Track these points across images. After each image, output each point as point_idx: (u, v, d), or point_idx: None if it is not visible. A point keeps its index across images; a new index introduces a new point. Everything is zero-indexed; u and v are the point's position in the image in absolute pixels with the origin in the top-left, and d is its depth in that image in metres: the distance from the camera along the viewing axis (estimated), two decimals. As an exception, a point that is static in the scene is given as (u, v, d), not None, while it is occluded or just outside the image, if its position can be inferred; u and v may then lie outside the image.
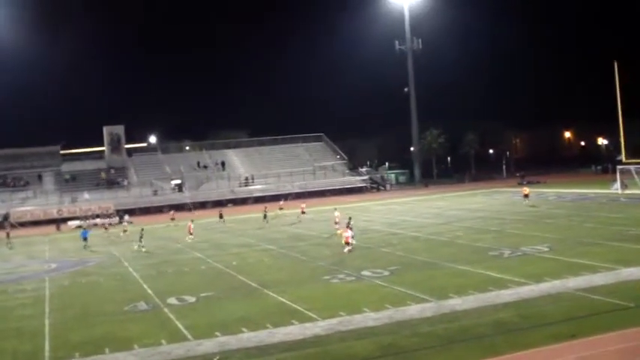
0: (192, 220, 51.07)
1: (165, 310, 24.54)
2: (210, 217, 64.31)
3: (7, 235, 54.22)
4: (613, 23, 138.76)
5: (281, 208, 61.08)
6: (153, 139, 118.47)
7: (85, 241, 47.61)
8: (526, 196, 56.26)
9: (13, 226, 67.67)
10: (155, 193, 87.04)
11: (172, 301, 25.84)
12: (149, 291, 28.44)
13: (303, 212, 56.49)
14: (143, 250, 42.96)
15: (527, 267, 27.22)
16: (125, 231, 51.84)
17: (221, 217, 59.57)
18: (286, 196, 79.20)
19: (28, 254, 47.36)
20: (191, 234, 47.18)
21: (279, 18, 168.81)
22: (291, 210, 60.81)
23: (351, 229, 36.94)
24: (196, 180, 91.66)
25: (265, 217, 55.04)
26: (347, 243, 35.26)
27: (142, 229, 46.54)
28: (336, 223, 45.76)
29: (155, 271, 34.25)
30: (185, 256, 39.40)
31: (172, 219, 61.21)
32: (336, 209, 48.95)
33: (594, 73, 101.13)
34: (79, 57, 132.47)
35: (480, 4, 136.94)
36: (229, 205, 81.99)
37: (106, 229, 57.66)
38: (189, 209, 76.13)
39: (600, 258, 27.75)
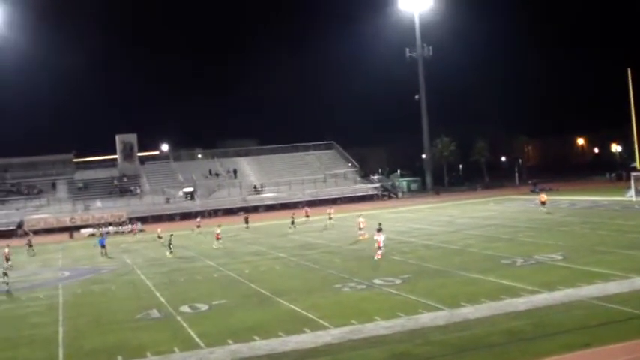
0: (219, 226, 51.23)
1: (178, 317, 24.58)
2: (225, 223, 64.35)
3: (29, 242, 54.47)
4: (627, 30, 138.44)
5: (307, 215, 62.16)
6: (165, 147, 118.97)
7: (103, 248, 48.03)
8: (543, 203, 55.99)
9: (26, 233, 67.99)
10: (167, 201, 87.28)
11: (185, 308, 25.89)
12: (162, 299, 28.51)
13: (330, 218, 56.93)
14: (169, 255, 43.65)
15: (540, 275, 27.08)
16: (160, 237, 51.51)
17: (247, 222, 61.08)
18: (303, 204, 79.30)
19: (41, 262, 47.54)
20: (218, 238, 47.71)
21: (290, 27, 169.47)
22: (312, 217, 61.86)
23: (381, 232, 36.60)
24: (208, 188, 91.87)
25: (293, 222, 55.56)
26: (379, 247, 35.27)
27: (171, 235, 46.98)
28: (360, 228, 45.79)
29: (168, 279, 34.32)
30: (198, 264, 39.47)
31: (198, 226, 61.55)
32: (360, 215, 48.98)
33: (608, 80, 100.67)
34: (92, 66, 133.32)
35: (491, 12, 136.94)
36: (240, 213, 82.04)
37: (135, 233, 61.71)
38: (200, 222, 75.79)
39: (614, 266, 27.58)
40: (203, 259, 41.34)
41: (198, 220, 64.93)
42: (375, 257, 34.94)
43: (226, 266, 37.33)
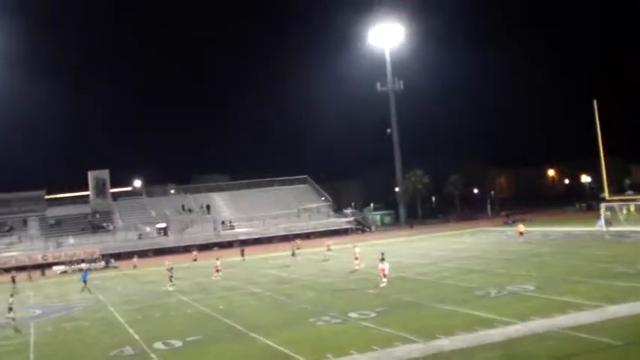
0: (217, 259, 51.30)
1: (152, 355, 24.30)
2: (186, 260, 64.18)
3: (13, 279, 53.97)
4: (593, 62, 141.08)
5: (298, 248, 62.47)
6: (138, 183, 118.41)
7: (84, 283, 48.08)
8: (521, 233, 56.91)
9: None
10: (140, 236, 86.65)
11: (159, 345, 25.60)
12: (135, 336, 28.18)
13: (329, 249, 58.51)
14: (171, 289, 43.64)
15: (514, 306, 27.22)
16: (170, 270, 48.76)
17: (242, 254, 62.75)
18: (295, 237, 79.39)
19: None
20: (218, 271, 48.38)
21: (263, 62, 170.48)
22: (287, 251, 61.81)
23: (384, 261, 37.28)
24: (181, 223, 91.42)
25: (294, 254, 56.45)
26: (384, 275, 36.21)
27: (172, 268, 47.24)
28: (356, 258, 46.44)
29: (141, 316, 33.97)
30: (171, 300, 39.13)
31: (195, 260, 61.58)
32: (355, 246, 49.65)
33: (576, 111, 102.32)
34: (64, 101, 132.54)
35: (461, 44, 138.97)
36: (215, 248, 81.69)
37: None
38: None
39: (586, 296, 27.82)
40: (176, 295, 41.01)
41: (194, 253, 66.05)
42: (381, 285, 35.78)
43: (200, 302, 37.06)
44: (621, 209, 64.51)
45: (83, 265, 66.74)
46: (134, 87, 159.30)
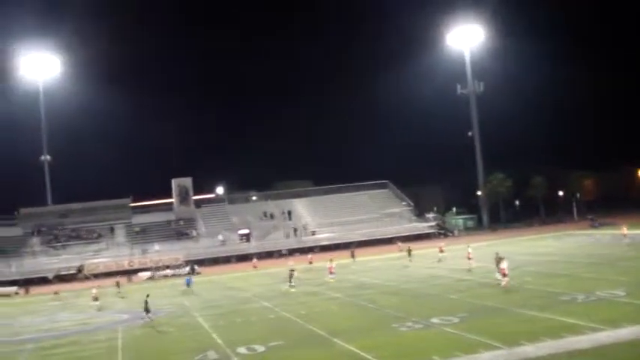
0: (331, 260, 51.90)
1: (235, 359, 24.61)
2: (277, 266, 64.71)
3: (117, 284, 56.21)
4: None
5: (311, 262, 63.14)
6: (220, 190, 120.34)
7: (188, 287, 51.28)
8: (625, 235, 56.54)
9: (87, 277, 69.21)
10: (223, 243, 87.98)
11: (242, 350, 25.91)
12: (218, 340, 28.61)
13: (441, 251, 57.57)
14: (292, 290, 45.02)
15: (602, 312, 26.38)
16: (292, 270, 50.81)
17: (353, 255, 63.64)
18: (351, 244, 79.26)
19: (101, 305, 48.18)
20: (332, 273, 49.29)
21: (341, 67, 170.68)
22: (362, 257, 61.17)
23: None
24: (263, 229, 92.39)
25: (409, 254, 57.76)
26: (504, 275, 36.47)
27: (294, 270, 49.38)
28: (469, 258, 47.69)
29: (224, 321, 34.46)
30: (253, 306, 39.56)
31: (310, 262, 64.11)
32: (469, 246, 50.58)
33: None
34: (149, 111, 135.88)
35: (542, 47, 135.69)
36: (296, 254, 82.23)
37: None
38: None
39: (679, 301, 26.78)
40: (259, 301, 41.42)
41: (254, 261, 66.14)
42: (502, 284, 36.20)
43: (282, 307, 37.33)
44: None
45: (168, 272, 68.25)
46: (216, 94, 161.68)
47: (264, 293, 45.15)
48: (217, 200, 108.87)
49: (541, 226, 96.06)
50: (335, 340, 26.22)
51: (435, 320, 28.08)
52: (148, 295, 37.39)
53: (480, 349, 22.11)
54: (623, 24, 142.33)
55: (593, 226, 79.68)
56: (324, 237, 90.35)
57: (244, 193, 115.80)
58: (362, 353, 23.29)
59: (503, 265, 36.97)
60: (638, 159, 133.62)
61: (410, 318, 29.23)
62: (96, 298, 47.21)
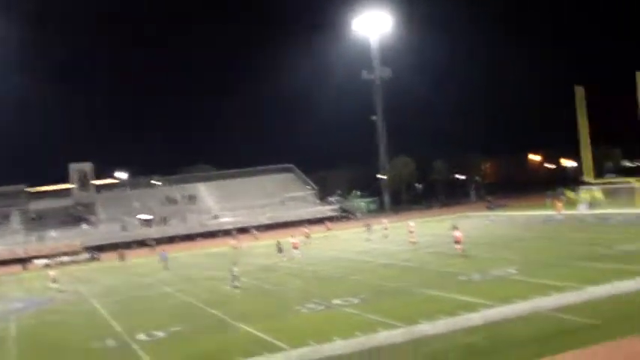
0: (292, 236, 52.07)
1: (134, 346, 24.18)
2: (179, 251, 63.94)
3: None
4: (578, 50, 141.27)
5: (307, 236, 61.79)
6: (122, 175, 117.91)
7: (165, 262, 50.96)
8: (559, 211, 59.25)
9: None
10: (123, 228, 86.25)
11: (141, 337, 25.46)
12: (117, 328, 28.03)
13: (386, 229, 58.80)
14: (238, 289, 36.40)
15: (496, 290, 27.26)
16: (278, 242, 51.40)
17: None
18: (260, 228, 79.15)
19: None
20: (296, 249, 48.39)
21: (246, 51, 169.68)
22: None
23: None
24: (166, 215, 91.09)
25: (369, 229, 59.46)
26: (458, 242, 39.58)
27: (279, 242, 50.25)
28: (410, 232, 50.05)
29: (124, 307, 33.83)
30: (155, 291, 39.01)
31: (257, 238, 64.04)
32: (409, 221, 53.73)
33: (561, 99, 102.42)
34: (43, 94, 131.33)
35: (448, 32, 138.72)
36: (198, 239, 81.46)
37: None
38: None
39: (568, 278, 27.91)
40: (161, 286, 40.86)
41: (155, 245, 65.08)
42: (457, 251, 39.17)
43: (184, 292, 36.97)
44: (578, 193, 68.54)
45: (65, 258, 66.36)
46: (117, 77, 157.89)
47: (167, 279, 44.55)
48: (119, 185, 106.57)
49: (441, 208, 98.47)
50: (237, 324, 26.10)
51: (336, 301, 28.35)
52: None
53: (379, 328, 22.42)
54: (526, 13, 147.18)
55: (489, 208, 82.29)
56: (227, 221, 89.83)
57: (146, 177, 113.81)
58: (264, 336, 23.27)
59: (457, 233, 40.21)
60: (536, 143, 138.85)
61: (312, 300, 29.43)
62: None
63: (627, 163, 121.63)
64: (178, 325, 26.85)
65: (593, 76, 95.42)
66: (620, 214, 56.03)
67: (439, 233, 55.38)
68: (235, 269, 36.63)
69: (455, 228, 42.17)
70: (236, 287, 35.65)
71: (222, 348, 22.30)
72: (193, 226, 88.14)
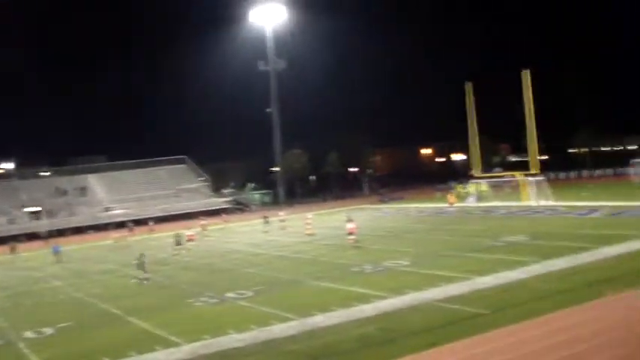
0: (189, 229, 53.29)
1: (20, 344, 23.39)
2: (70, 244, 62.12)
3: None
4: (467, 46, 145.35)
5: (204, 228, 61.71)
6: (8, 164, 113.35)
7: (57, 255, 49.90)
8: (451, 204, 60.46)
9: None
10: (11, 222, 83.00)
11: (28, 334, 24.66)
12: (3, 324, 27.05)
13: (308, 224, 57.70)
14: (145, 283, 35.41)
15: (388, 281, 27.87)
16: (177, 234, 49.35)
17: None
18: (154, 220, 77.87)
19: None
20: (192, 241, 49.99)
21: (142, 41, 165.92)
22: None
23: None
24: (55, 207, 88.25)
25: (267, 222, 59.25)
26: (351, 233, 41.04)
27: (178, 234, 48.21)
28: (307, 224, 52.41)
29: (10, 303, 32.65)
30: (44, 286, 37.83)
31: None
32: (308, 213, 54.91)
33: (452, 92, 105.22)
34: None
35: (344, 25, 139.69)
36: (90, 231, 79.33)
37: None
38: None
39: (457, 269, 28.87)
40: (51, 281, 39.65)
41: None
42: (349, 241, 40.83)
43: (75, 287, 36.03)
44: (466, 186, 70.99)
45: None
46: (6, 61, 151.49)
47: (58, 273, 43.25)
48: (5, 176, 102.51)
49: (335, 200, 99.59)
50: (129, 318, 25.69)
51: (230, 295, 28.32)
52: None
53: (272, 320, 22.57)
54: (420, 7, 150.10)
55: (382, 201, 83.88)
56: (119, 213, 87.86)
57: (35, 168, 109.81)
58: (156, 331, 23.00)
59: (351, 225, 41.46)
60: (427, 137, 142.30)
61: (205, 293, 29.28)
62: None
63: (513, 158, 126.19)
64: (68, 321, 26.17)
65: (483, 73, 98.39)
66: (504, 206, 58.41)
67: (334, 225, 56.03)
68: (145, 259, 36.40)
69: (349, 220, 42.84)
70: (146, 279, 35.17)
71: (114, 343, 21.87)
72: (84, 218, 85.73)
